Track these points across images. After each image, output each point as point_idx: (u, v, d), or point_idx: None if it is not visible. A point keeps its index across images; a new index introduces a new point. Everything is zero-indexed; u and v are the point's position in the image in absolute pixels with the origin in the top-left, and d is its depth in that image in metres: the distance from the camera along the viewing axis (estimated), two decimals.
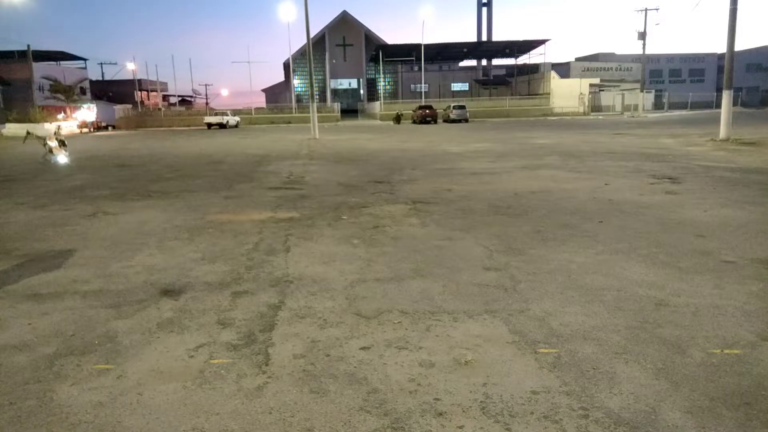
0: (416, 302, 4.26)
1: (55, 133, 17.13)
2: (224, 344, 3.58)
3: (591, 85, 56.72)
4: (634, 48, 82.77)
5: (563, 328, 3.69)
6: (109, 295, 4.58)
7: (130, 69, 64.55)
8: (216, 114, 47.25)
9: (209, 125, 43.43)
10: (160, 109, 58.27)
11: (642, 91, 49.79)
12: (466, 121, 42.90)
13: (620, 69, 62.02)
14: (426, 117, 42.39)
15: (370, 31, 72.71)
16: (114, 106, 52.84)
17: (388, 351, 3.42)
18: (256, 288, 4.69)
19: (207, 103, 72.04)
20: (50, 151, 16.75)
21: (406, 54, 60.23)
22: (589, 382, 2.98)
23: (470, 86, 71.61)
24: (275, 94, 72.62)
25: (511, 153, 16.80)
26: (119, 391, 3.01)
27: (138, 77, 66.25)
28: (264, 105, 65.66)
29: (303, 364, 3.27)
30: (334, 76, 71.54)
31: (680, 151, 16.19)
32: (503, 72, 72.53)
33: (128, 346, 3.59)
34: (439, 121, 43.51)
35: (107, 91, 65.10)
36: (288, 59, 61.71)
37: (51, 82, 46.83)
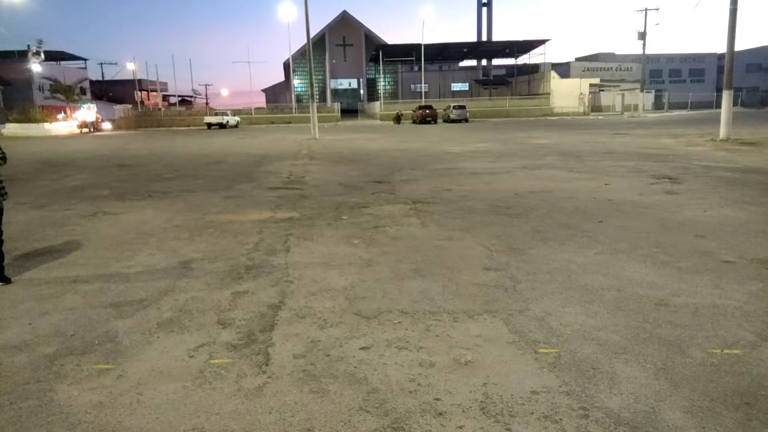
0: (416, 302, 4.26)
1: None
2: (224, 344, 3.58)
3: (591, 85, 56.70)
4: (634, 48, 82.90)
5: (563, 328, 3.69)
6: (109, 295, 4.58)
7: (130, 69, 64.58)
8: (216, 114, 47.20)
9: (209, 125, 43.41)
10: (160, 109, 58.23)
11: (642, 91, 49.76)
12: (466, 121, 42.88)
13: (620, 69, 61.98)
14: (426, 117, 42.37)
15: (370, 31, 72.70)
16: (114, 106, 52.83)
17: (388, 351, 3.42)
18: (256, 288, 4.69)
19: (207, 103, 72.01)
20: None
21: (406, 54, 60.20)
22: (589, 382, 2.98)
23: (470, 86, 71.58)
24: (275, 94, 72.61)
25: (511, 153, 16.80)
26: (119, 391, 3.01)
27: (138, 77, 66.26)
28: (264, 105, 65.59)
29: (303, 364, 3.27)
30: (334, 76, 71.53)
31: (680, 151, 16.19)
32: (503, 72, 72.49)
33: (128, 346, 3.60)
34: (439, 121, 43.51)
35: (107, 91, 65.09)
36: (288, 59, 61.66)
37: (51, 82, 46.78)
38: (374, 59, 64.28)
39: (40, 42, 47.33)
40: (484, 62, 74.79)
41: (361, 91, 74.48)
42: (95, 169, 15.15)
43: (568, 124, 37.50)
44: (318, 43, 64.51)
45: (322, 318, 3.99)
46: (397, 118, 45.66)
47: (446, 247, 5.88)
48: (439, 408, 2.77)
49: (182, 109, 65.23)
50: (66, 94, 45.40)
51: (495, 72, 73.45)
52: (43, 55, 47.64)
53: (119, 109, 52.36)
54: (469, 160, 14.84)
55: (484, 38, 76.34)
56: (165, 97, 73.49)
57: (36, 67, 48.30)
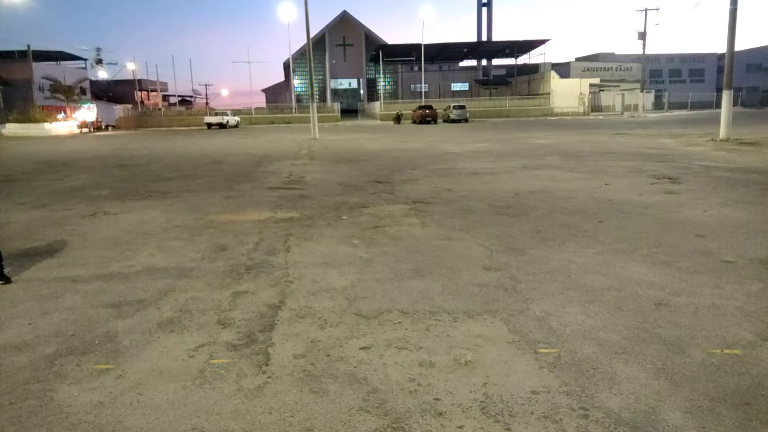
0: (416, 302, 4.26)
1: None
2: (224, 344, 3.58)
3: (591, 85, 56.70)
4: (634, 48, 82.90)
5: (563, 328, 3.69)
6: (109, 295, 4.58)
7: (130, 69, 64.61)
8: (216, 114, 47.19)
9: (209, 125, 43.42)
10: (160, 109, 58.24)
11: (642, 91, 49.78)
12: (466, 121, 42.89)
13: (620, 69, 61.99)
14: (426, 117, 42.39)
15: (370, 31, 72.72)
16: (114, 106, 52.83)
17: (388, 351, 3.42)
18: (256, 288, 4.69)
19: (207, 103, 72.07)
20: None
21: (406, 54, 60.20)
22: (589, 382, 2.98)
23: (470, 86, 71.59)
24: (275, 94, 72.64)
25: (511, 153, 16.80)
26: (119, 391, 3.01)
27: (138, 77, 66.28)
28: (264, 105, 65.58)
29: (303, 364, 3.27)
30: (334, 76, 71.55)
31: (680, 151, 16.19)
32: (503, 72, 72.49)
33: (128, 346, 3.60)
34: (439, 121, 43.52)
35: (107, 91, 65.07)
36: (288, 59, 61.68)
37: (51, 82, 46.79)
38: (374, 59, 64.28)
39: (99, 50, 47.50)
40: (484, 62, 74.79)
41: (361, 91, 74.50)
42: (95, 169, 15.15)
43: (568, 124, 37.50)
44: (318, 43, 64.53)
45: (322, 318, 3.99)
46: (397, 118, 45.67)
47: (446, 247, 5.88)
48: (439, 408, 2.77)
49: (182, 109, 65.24)
50: (66, 94, 45.41)
51: (495, 72, 73.44)
52: (104, 62, 47.90)
53: (119, 109, 52.37)
54: (469, 160, 14.84)
55: (484, 38, 76.35)
56: (165, 97, 73.50)
57: (102, 74, 48.34)
